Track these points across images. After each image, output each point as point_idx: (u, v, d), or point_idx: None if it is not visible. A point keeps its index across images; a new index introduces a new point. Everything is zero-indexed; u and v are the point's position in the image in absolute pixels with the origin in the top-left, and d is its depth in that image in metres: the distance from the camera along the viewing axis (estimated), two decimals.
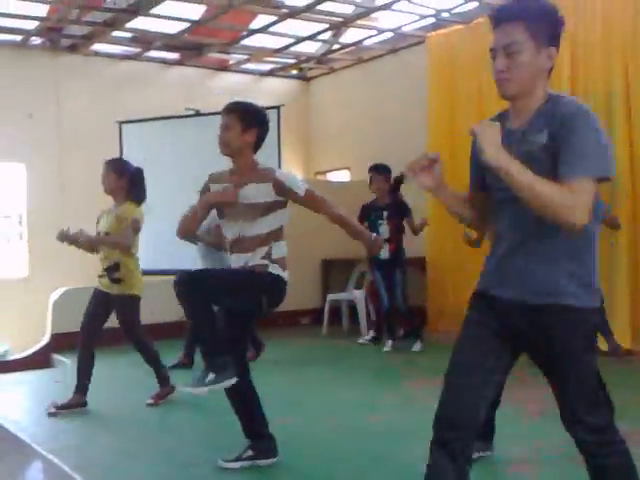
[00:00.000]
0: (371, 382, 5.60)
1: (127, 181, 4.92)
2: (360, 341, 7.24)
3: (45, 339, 7.39)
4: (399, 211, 6.68)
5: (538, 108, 2.15)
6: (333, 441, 4.04)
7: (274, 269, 3.47)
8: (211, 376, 3.28)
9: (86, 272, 7.73)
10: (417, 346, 6.78)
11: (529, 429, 4.11)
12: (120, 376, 6.02)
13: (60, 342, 7.25)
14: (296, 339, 7.28)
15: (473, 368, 2.20)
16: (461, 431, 2.17)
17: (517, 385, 5.10)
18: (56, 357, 7.15)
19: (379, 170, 6.85)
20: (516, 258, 2.16)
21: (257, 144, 3.58)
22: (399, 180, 6.61)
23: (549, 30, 2.13)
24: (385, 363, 6.36)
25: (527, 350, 2.24)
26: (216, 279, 3.54)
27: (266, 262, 3.46)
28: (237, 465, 3.62)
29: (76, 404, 4.85)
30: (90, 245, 4.94)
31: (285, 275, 3.52)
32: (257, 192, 3.45)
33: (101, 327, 4.98)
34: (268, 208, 3.46)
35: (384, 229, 6.65)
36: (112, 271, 4.85)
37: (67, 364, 6.87)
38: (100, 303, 4.94)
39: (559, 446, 3.81)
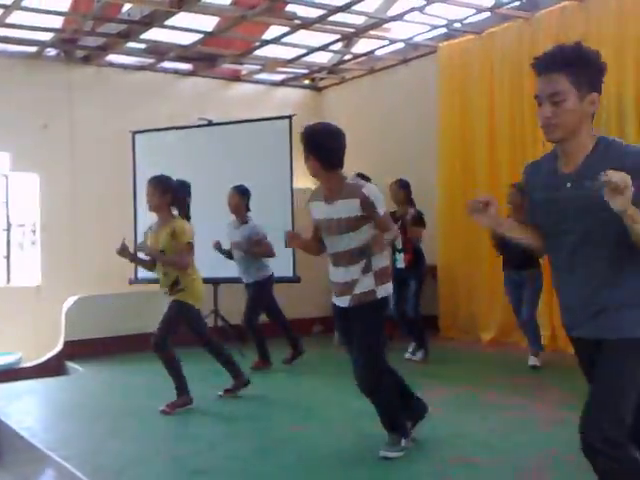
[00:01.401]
0: None
1: (171, 197, 5.03)
2: None
3: (58, 347, 7.44)
4: (412, 221, 6.63)
5: (589, 152, 2.27)
6: (347, 449, 4.04)
7: (380, 291, 3.68)
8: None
9: (98, 280, 7.82)
10: (419, 355, 6.71)
11: (544, 437, 4.10)
12: (134, 383, 6.05)
13: (73, 350, 7.31)
14: (308, 347, 7.28)
15: None
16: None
17: (533, 394, 5.11)
18: (69, 364, 7.20)
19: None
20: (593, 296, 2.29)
21: (328, 164, 3.66)
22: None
23: (591, 77, 2.25)
24: (400, 372, 6.33)
25: None
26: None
27: (372, 287, 3.65)
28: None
29: (183, 404, 5.00)
30: (149, 261, 5.08)
31: (387, 289, 3.72)
32: (345, 208, 3.62)
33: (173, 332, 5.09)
34: (357, 222, 3.61)
35: (398, 240, 6.65)
36: (174, 288, 4.97)
37: (80, 371, 6.92)
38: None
39: (573, 454, 3.81)
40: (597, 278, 2.27)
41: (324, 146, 3.64)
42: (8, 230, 8.48)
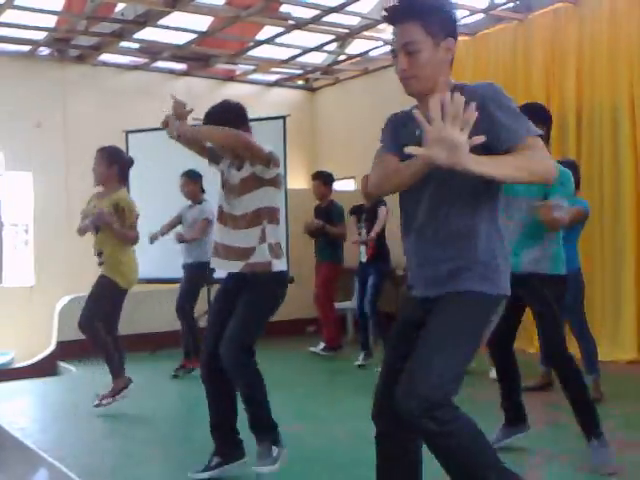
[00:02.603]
0: None
1: (118, 170, 4.92)
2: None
3: (51, 347, 7.42)
4: (375, 214, 6.59)
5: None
6: (342, 449, 4.04)
7: (277, 265, 3.49)
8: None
9: (91, 280, 7.75)
10: (360, 358, 6.54)
11: (536, 437, 4.10)
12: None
13: (66, 350, 7.28)
14: (302, 348, 7.29)
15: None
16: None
17: (526, 394, 5.12)
18: (62, 365, 7.18)
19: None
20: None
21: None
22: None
23: (444, 23, 2.18)
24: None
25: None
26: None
27: (269, 259, 3.46)
28: (206, 475, 3.55)
29: (122, 387, 4.89)
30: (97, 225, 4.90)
31: (279, 265, 3.51)
32: (239, 172, 3.57)
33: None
34: (252, 181, 3.52)
35: (363, 233, 6.68)
36: (99, 256, 4.92)
37: (73, 371, 6.90)
38: None
39: (566, 454, 3.82)
40: (448, 235, 2.19)
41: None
42: (0, 230, 8.45)
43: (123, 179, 4.98)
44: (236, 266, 3.51)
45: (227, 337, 3.37)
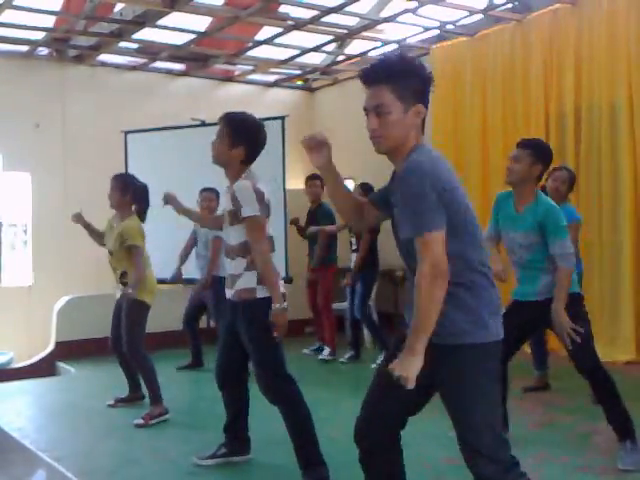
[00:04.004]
0: None
1: (131, 196, 5.01)
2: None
3: (49, 347, 7.41)
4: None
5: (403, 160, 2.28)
6: (342, 449, 4.03)
7: (261, 291, 3.46)
8: None
9: (90, 281, 7.79)
10: (345, 357, 6.86)
11: (534, 438, 4.11)
12: (126, 383, 6.03)
13: (64, 350, 7.29)
14: (300, 348, 7.28)
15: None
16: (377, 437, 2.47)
17: (523, 395, 5.12)
18: (60, 365, 7.18)
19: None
20: None
21: (247, 158, 3.61)
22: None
23: (414, 89, 2.24)
24: None
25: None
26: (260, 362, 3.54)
27: (253, 285, 3.46)
28: (211, 462, 3.81)
29: (159, 414, 4.83)
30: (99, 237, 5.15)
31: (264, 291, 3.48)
32: (227, 200, 3.58)
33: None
34: (230, 217, 3.54)
35: (354, 240, 6.76)
36: (123, 278, 4.93)
37: (72, 372, 6.90)
38: (119, 312, 5.01)
39: (564, 455, 3.83)
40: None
41: (254, 141, 3.59)
42: None
43: (137, 204, 5.06)
44: (229, 293, 3.59)
45: (254, 370, 3.54)
